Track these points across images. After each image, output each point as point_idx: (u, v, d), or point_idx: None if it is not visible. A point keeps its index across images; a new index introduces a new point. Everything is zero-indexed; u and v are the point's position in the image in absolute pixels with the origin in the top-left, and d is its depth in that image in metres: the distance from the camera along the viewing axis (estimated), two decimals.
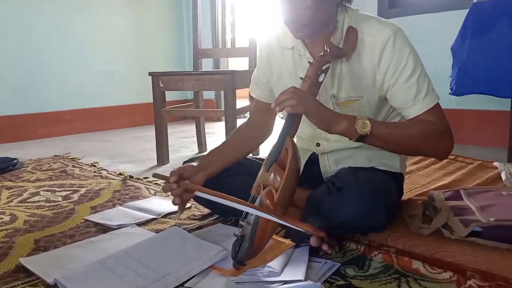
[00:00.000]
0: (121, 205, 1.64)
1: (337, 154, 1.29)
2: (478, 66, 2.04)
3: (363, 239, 1.20)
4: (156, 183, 1.96)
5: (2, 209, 1.63)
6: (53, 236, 1.34)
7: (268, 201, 0.97)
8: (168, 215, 1.50)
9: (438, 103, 1.13)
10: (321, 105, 1.05)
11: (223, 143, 1.42)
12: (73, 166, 2.37)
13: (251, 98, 2.46)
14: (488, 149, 2.56)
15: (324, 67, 1.09)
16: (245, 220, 1.03)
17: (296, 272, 0.99)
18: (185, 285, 0.98)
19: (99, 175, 2.15)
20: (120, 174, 2.17)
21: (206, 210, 1.52)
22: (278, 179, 1.04)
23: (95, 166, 2.38)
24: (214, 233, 1.29)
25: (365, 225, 1.09)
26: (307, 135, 1.31)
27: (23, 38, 3.35)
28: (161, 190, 1.83)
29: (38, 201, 1.72)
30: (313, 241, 1.10)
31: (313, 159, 1.33)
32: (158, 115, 2.37)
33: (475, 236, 1.12)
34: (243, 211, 1.04)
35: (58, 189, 1.90)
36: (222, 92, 3.97)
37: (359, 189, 1.05)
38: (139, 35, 4.13)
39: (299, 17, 1.07)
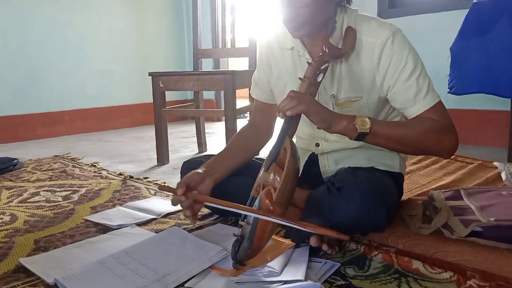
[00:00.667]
0: (121, 205, 1.64)
1: (337, 154, 1.29)
2: (478, 66, 2.04)
3: (363, 239, 1.20)
4: (156, 183, 1.96)
5: (2, 209, 1.63)
6: (53, 236, 1.34)
7: (267, 200, 0.97)
8: (168, 215, 1.50)
9: (440, 101, 1.13)
10: (320, 105, 1.05)
11: (226, 147, 1.39)
12: (73, 166, 2.37)
13: (251, 99, 2.47)
14: (488, 149, 2.56)
15: (322, 67, 1.09)
16: (244, 220, 1.03)
17: (296, 272, 0.99)
18: (185, 285, 0.98)
19: (99, 175, 2.15)
20: (120, 174, 2.17)
21: (206, 210, 1.52)
22: (278, 179, 1.04)
23: (95, 166, 2.38)
24: (214, 233, 1.30)
25: (365, 225, 1.09)
26: (306, 135, 1.31)
27: (23, 38, 3.35)
28: (162, 190, 1.83)
29: (38, 201, 1.73)
30: (313, 241, 1.10)
31: (313, 159, 1.33)
32: (158, 115, 2.37)
33: (475, 236, 1.12)
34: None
35: (58, 189, 1.90)
36: (222, 92, 3.98)
37: (359, 189, 1.05)
38: (139, 35, 4.13)
39: (298, 15, 1.07)
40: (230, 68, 3.94)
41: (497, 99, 2.29)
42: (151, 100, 2.37)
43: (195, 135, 2.80)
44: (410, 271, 1.03)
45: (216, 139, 3.21)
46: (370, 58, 1.12)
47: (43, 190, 1.89)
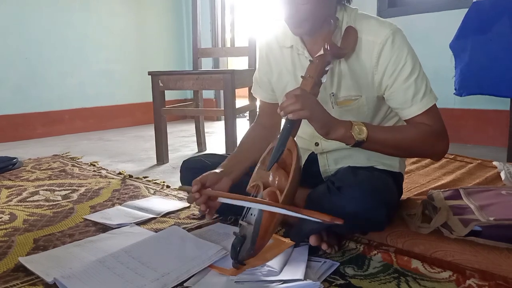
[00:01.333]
0: (120, 204, 1.64)
1: (336, 153, 1.29)
2: (479, 66, 2.04)
3: (363, 238, 1.20)
4: (155, 183, 1.96)
5: (2, 208, 1.63)
6: (53, 235, 1.34)
7: (269, 199, 0.97)
8: (167, 214, 1.50)
9: (435, 104, 1.14)
10: (322, 109, 1.04)
11: (240, 147, 1.37)
12: (73, 166, 2.37)
13: (251, 98, 2.47)
14: (487, 149, 2.56)
15: (326, 68, 1.09)
16: (244, 219, 1.03)
17: (295, 271, 0.99)
18: (185, 284, 0.98)
19: (98, 175, 2.15)
20: (120, 173, 2.17)
21: None
22: (278, 179, 1.04)
23: (94, 165, 2.38)
24: (213, 232, 1.30)
25: (364, 224, 1.09)
26: (306, 135, 1.31)
27: (23, 37, 3.35)
28: (161, 190, 1.83)
29: (38, 201, 1.72)
30: (312, 240, 1.10)
31: (312, 159, 1.33)
32: (157, 114, 2.37)
33: (475, 236, 1.12)
34: (242, 210, 1.03)
35: (57, 189, 1.90)
36: (221, 92, 3.98)
37: (359, 188, 1.05)
38: (139, 34, 4.13)
39: (298, 12, 1.07)
40: (230, 68, 3.93)
41: (497, 99, 2.29)
42: (151, 100, 2.37)
43: (195, 134, 2.80)
44: (410, 270, 1.03)
45: (216, 139, 3.21)
46: (370, 57, 1.12)
47: (43, 189, 1.89)
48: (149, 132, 3.37)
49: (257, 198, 0.99)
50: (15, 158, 2.37)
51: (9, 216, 1.54)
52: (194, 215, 1.49)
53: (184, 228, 1.30)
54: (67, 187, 1.92)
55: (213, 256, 1.08)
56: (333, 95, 1.20)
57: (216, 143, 2.97)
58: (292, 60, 1.26)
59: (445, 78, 2.22)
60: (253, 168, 1.13)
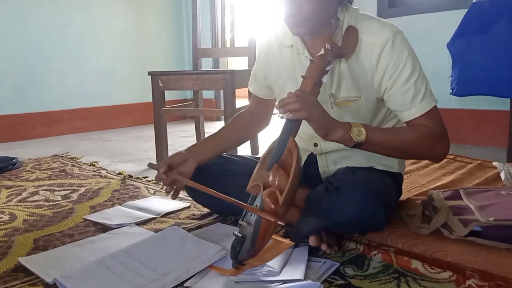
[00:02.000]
0: (120, 204, 1.64)
1: (335, 154, 1.29)
2: (478, 67, 2.04)
3: (362, 238, 1.20)
4: (155, 183, 1.96)
5: (1, 208, 1.63)
6: (52, 235, 1.34)
7: (270, 202, 0.97)
8: (167, 214, 1.50)
9: (435, 106, 1.13)
10: (322, 110, 1.04)
11: (219, 130, 1.45)
12: (72, 166, 2.37)
13: (250, 95, 2.47)
14: (487, 149, 2.56)
15: (327, 68, 1.09)
16: (244, 219, 1.03)
17: (295, 272, 0.99)
18: (184, 284, 0.98)
19: (98, 175, 2.15)
20: (120, 173, 2.17)
21: (205, 210, 1.52)
22: (278, 179, 1.04)
23: (94, 165, 2.38)
24: (213, 232, 1.29)
25: (363, 224, 1.09)
26: (306, 135, 1.31)
27: (23, 37, 3.35)
28: (161, 190, 1.83)
29: (37, 201, 1.72)
30: (312, 241, 1.10)
31: (312, 159, 1.33)
32: (157, 114, 2.37)
33: (474, 236, 1.12)
34: (242, 210, 1.03)
35: (57, 189, 1.90)
36: (221, 92, 3.97)
37: (357, 188, 1.05)
38: (138, 34, 4.13)
39: (300, 11, 1.07)
40: (230, 68, 3.93)
41: (497, 99, 2.29)
42: (151, 100, 2.37)
43: (195, 135, 2.80)
44: (409, 270, 1.03)
45: None
46: (370, 58, 1.12)
47: (42, 189, 1.89)
48: (149, 132, 3.36)
49: (218, 193, 1.04)
50: (15, 158, 2.37)
51: (9, 216, 1.54)
52: (194, 216, 1.49)
53: (184, 228, 1.30)
54: (67, 187, 1.92)
55: (213, 256, 1.08)
56: (332, 96, 1.20)
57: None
58: (292, 59, 1.26)
59: (445, 78, 2.22)
60: (224, 152, 1.28)
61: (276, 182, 1.04)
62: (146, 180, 2.02)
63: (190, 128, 3.67)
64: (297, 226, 1.10)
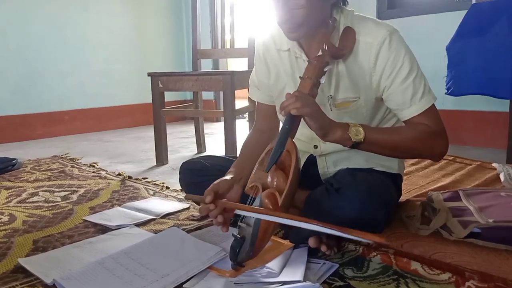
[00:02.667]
0: (120, 205, 1.64)
1: (335, 155, 1.29)
2: (477, 67, 2.04)
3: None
4: (155, 184, 1.96)
5: (1, 209, 1.63)
6: (52, 236, 1.34)
7: (268, 201, 0.97)
8: (167, 215, 1.50)
9: (433, 104, 1.14)
10: (321, 111, 1.04)
11: (242, 153, 1.34)
12: (72, 167, 2.37)
13: (250, 99, 2.47)
14: (486, 150, 2.56)
15: (325, 69, 1.09)
16: (243, 221, 1.03)
17: (294, 273, 0.99)
18: (184, 285, 0.98)
19: (98, 176, 2.15)
20: (119, 174, 2.17)
21: None
22: (276, 180, 1.04)
23: (94, 166, 2.38)
24: (213, 233, 1.29)
25: (363, 225, 1.07)
26: (305, 137, 1.31)
27: (22, 38, 3.35)
28: (161, 191, 1.83)
29: (37, 202, 1.72)
30: (311, 242, 1.10)
31: (311, 161, 1.32)
32: (157, 115, 2.37)
33: (474, 237, 1.12)
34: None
35: (57, 190, 1.90)
36: (221, 93, 3.97)
37: (357, 189, 1.05)
38: (138, 35, 4.13)
39: (293, 17, 1.06)
40: (229, 69, 3.94)
41: (496, 100, 2.29)
42: (151, 101, 2.37)
43: (194, 136, 2.80)
44: (409, 272, 1.03)
45: (215, 140, 3.21)
46: (368, 58, 1.12)
47: (42, 190, 1.89)
48: (149, 133, 3.36)
49: (276, 212, 0.94)
50: (14, 159, 2.37)
51: (8, 217, 1.54)
52: (194, 217, 1.48)
53: (183, 229, 1.30)
54: (66, 188, 1.92)
55: (213, 257, 1.08)
56: (331, 97, 1.20)
57: (215, 144, 2.97)
58: (290, 63, 1.25)
59: (444, 79, 2.22)
60: None
61: (275, 183, 1.04)
62: (146, 181, 2.02)
63: (190, 129, 3.67)
64: (297, 227, 1.10)
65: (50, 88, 3.54)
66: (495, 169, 1.91)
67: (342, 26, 1.14)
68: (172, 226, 1.38)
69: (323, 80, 1.09)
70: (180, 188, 1.69)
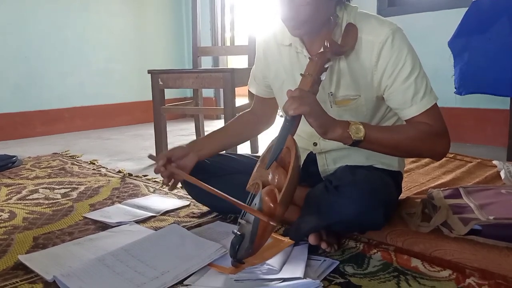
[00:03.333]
0: (120, 202, 1.63)
1: (335, 153, 1.29)
2: (478, 66, 2.04)
3: (362, 237, 1.20)
4: (155, 181, 1.96)
5: (1, 206, 1.63)
6: (52, 233, 1.34)
7: (268, 200, 0.97)
8: (167, 212, 1.50)
9: (435, 103, 1.13)
10: (321, 108, 1.04)
11: (222, 127, 1.47)
12: (72, 164, 2.37)
13: (250, 96, 2.47)
14: (487, 148, 2.56)
15: (326, 65, 1.08)
16: (243, 218, 1.03)
17: (295, 270, 0.99)
18: (184, 282, 0.98)
19: (98, 173, 2.15)
20: (119, 171, 2.16)
21: (205, 208, 1.52)
22: (277, 177, 1.04)
23: (94, 163, 2.38)
24: (213, 230, 1.29)
25: (363, 223, 1.09)
26: (305, 134, 1.30)
27: (22, 36, 3.34)
28: (161, 188, 1.83)
29: (37, 199, 1.72)
30: (311, 239, 1.10)
31: (311, 159, 1.32)
32: (157, 113, 2.37)
33: (474, 234, 1.12)
34: (241, 209, 1.03)
35: (57, 187, 1.90)
36: (221, 90, 3.97)
37: (357, 187, 1.05)
38: (138, 33, 4.12)
39: (298, 14, 1.06)
40: (230, 66, 3.93)
41: (497, 98, 2.29)
42: (151, 98, 2.37)
43: (194, 133, 2.80)
44: (409, 269, 1.03)
45: None
46: (369, 57, 1.12)
47: (42, 188, 1.89)
48: (149, 130, 3.36)
49: (218, 191, 1.02)
50: (14, 156, 2.37)
51: (8, 214, 1.54)
52: (194, 214, 1.48)
53: (183, 226, 1.30)
54: (66, 186, 1.92)
55: (213, 254, 1.08)
56: (331, 95, 1.20)
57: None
58: (290, 58, 1.25)
59: (445, 77, 2.22)
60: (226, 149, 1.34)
61: (276, 180, 1.04)
62: (146, 179, 2.01)
63: (190, 127, 3.67)
64: (297, 224, 1.10)
65: (50, 86, 3.54)
66: (496, 166, 1.91)
67: (345, 23, 1.14)
68: (172, 223, 1.38)
69: (323, 77, 1.09)
70: (180, 186, 1.69)
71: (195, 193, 1.45)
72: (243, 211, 1.04)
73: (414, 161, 2.10)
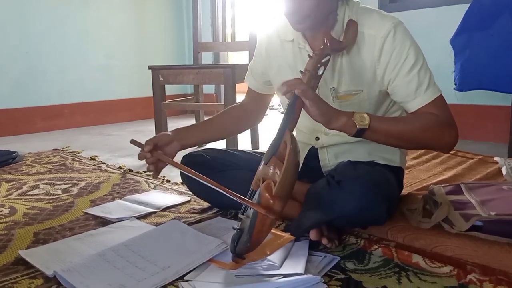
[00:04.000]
0: (120, 198, 1.63)
1: (337, 148, 1.29)
2: (480, 62, 2.03)
3: (363, 233, 1.20)
4: (149, 175, 1.95)
5: (2, 202, 1.63)
6: (53, 229, 1.34)
7: (267, 194, 0.96)
8: (167, 208, 1.50)
9: (441, 94, 1.12)
10: (322, 99, 1.04)
11: (210, 119, 1.46)
12: (73, 160, 2.37)
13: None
14: (488, 144, 2.56)
15: (323, 60, 1.08)
16: (244, 213, 1.03)
17: (295, 266, 0.99)
18: (185, 278, 0.98)
19: (98, 169, 2.15)
20: (120, 167, 2.16)
21: (205, 204, 1.52)
22: (278, 172, 1.04)
23: (94, 159, 2.38)
24: (213, 226, 1.29)
25: (364, 218, 1.08)
26: (306, 129, 1.30)
27: (23, 32, 3.34)
28: (161, 184, 1.83)
29: (38, 194, 1.72)
30: (312, 235, 1.10)
31: (313, 153, 1.32)
32: (158, 109, 2.37)
33: (475, 230, 1.12)
34: (241, 204, 1.03)
35: (57, 182, 1.90)
36: (222, 86, 3.96)
37: (359, 182, 1.05)
38: (139, 29, 4.11)
39: (300, 8, 1.06)
40: (230, 62, 3.92)
41: (497, 94, 2.28)
42: (151, 94, 2.37)
43: None
44: (410, 265, 1.02)
45: None
46: (372, 51, 1.11)
47: (43, 183, 1.88)
48: (149, 126, 3.36)
49: (204, 177, 1.06)
50: (15, 152, 2.36)
51: (9, 209, 1.54)
52: (195, 210, 1.48)
53: (184, 222, 1.30)
54: (67, 181, 1.92)
55: (213, 250, 1.08)
56: (333, 90, 1.19)
57: None
58: (293, 54, 1.25)
59: (446, 74, 2.21)
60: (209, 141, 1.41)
61: (276, 175, 1.03)
62: (147, 174, 2.01)
63: (191, 123, 3.65)
64: (298, 220, 1.10)
65: (50, 83, 3.53)
66: (497, 163, 1.91)
67: (347, 18, 1.13)
68: (173, 219, 1.38)
69: (320, 72, 1.08)
70: (181, 181, 1.69)
71: (196, 188, 1.45)
72: (244, 206, 1.04)
73: (415, 158, 2.10)
